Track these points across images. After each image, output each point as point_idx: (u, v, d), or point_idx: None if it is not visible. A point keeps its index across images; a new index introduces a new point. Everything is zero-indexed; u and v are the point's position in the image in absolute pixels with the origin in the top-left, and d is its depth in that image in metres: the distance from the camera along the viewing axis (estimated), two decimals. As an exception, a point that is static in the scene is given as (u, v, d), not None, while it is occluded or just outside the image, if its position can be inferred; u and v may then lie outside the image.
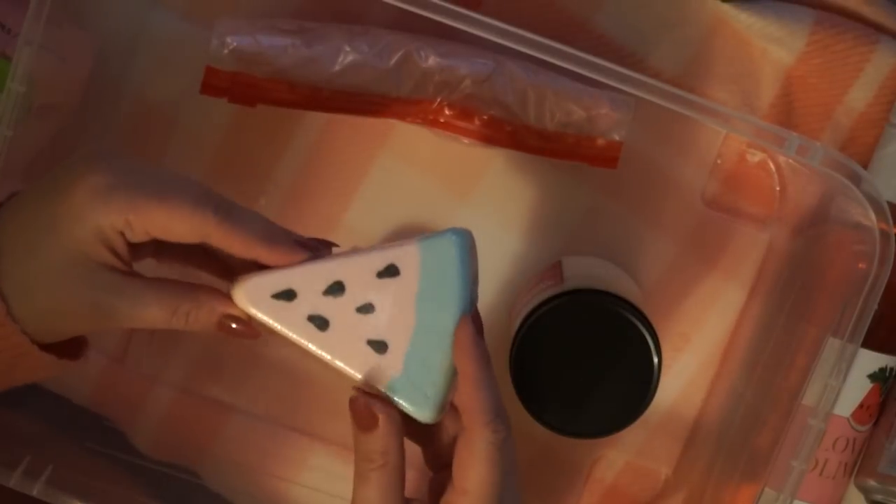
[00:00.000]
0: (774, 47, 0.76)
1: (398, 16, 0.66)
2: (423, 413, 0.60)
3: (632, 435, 0.74)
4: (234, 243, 0.59)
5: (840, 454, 0.77)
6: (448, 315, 0.60)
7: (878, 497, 0.78)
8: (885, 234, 0.65)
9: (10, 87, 0.65)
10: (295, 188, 0.77)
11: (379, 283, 0.60)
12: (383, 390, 0.60)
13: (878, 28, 0.76)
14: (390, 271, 0.60)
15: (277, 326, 0.60)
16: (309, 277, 0.60)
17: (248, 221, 0.60)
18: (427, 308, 0.60)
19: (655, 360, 0.70)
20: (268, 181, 0.77)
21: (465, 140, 0.74)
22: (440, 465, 0.63)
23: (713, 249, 0.79)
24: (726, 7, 0.75)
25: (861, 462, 0.78)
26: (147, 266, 0.62)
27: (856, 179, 0.65)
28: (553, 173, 0.77)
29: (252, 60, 0.70)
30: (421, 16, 0.63)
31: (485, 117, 0.72)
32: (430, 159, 0.77)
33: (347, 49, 0.71)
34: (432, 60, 0.71)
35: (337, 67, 0.71)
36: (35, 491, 0.70)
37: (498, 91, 0.72)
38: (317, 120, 0.76)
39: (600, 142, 0.73)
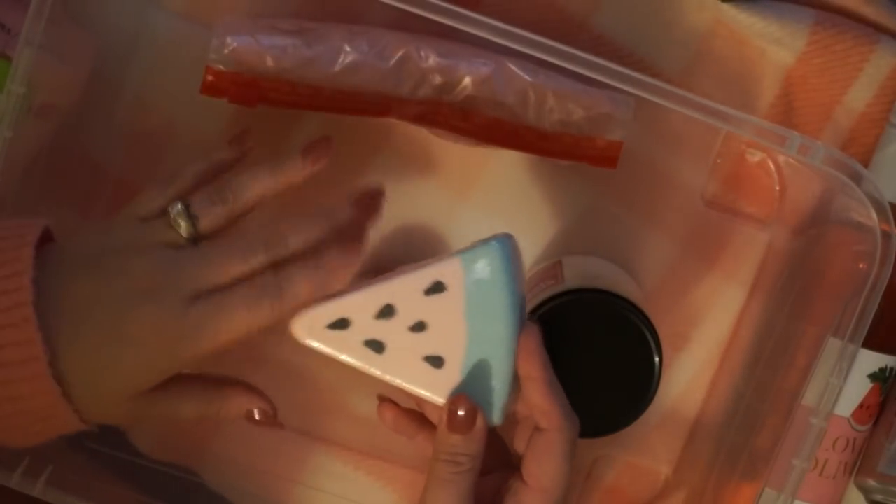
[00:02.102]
0: (774, 47, 0.76)
1: (398, 16, 0.66)
2: (489, 417, 0.63)
3: (632, 435, 0.74)
4: (301, 306, 0.62)
5: (840, 454, 0.77)
6: (498, 322, 0.62)
7: (878, 497, 0.78)
8: (886, 234, 0.65)
9: (10, 88, 0.65)
10: (295, 188, 0.77)
11: (427, 300, 0.62)
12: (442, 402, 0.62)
13: (878, 28, 0.76)
14: (437, 288, 0.61)
15: (337, 355, 0.62)
16: (360, 304, 0.62)
17: (304, 276, 0.62)
18: (477, 318, 0.62)
19: (656, 359, 0.70)
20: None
21: (466, 140, 0.74)
22: (486, 469, 0.65)
23: (713, 249, 0.79)
24: (726, 7, 0.75)
25: (861, 462, 0.79)
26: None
27: (857, 179, 0.65)
28: (553, 173, 0.77)
29: (252, 60, 0.70)
30: (421, 16, 0.63)
31: (484, 117, 0.72)
32: (430, 159, 0.77)
33: (347, 49, 0.71)
34: (432, 60, 0.71)
35: (337, 67, 0.71)
36: (35, 491, 0.70)
37: (498, 91, 0.72)
38: (317, 120, 0.76)
39: (600, 142, 0.73)
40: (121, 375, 0.61)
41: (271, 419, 0.66)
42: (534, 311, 0.71)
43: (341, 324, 0.62)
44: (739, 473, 0.75)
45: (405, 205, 0.78)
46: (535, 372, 0.63)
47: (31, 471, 0.70)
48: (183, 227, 0.63)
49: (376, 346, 0.62)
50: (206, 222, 0.64)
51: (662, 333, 0.71)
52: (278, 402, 0.80)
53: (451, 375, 0.62)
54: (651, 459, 0.81)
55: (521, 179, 0.77)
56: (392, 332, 0.62)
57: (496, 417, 0.63)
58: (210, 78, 0.70)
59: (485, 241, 0.62)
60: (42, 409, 0.60)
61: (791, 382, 0.72)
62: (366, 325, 0.62)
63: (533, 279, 0.76)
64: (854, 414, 0.76)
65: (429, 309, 0.62)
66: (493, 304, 0.61)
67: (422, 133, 0.75)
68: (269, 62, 0.70)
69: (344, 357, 0.62)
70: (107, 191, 0.77)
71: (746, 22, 0.75)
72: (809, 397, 0.69)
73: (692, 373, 0.80)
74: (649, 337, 0.71)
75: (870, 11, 0.76)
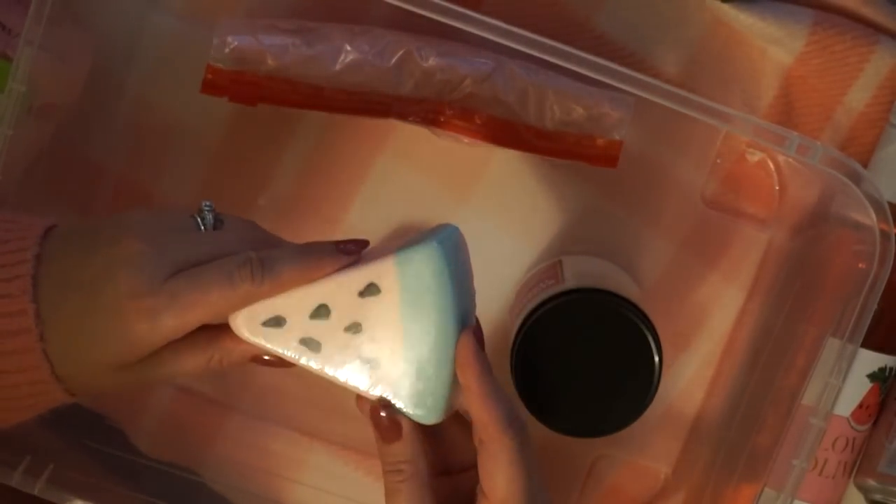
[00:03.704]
0: (774, 48, 0.76)
1: (399, 15, 0.66)
2: (427, 418, 0.61)
3: (632, 434, 0.74)
4: (281, 289, 0.60)
5: (840, 454, 0.77)
6: (435, 325, 0.60)
7: (878, 497, 0.78)
8: (885, 234, 0.65)
9: (11, 87, 0.65)
10: (295, 188, 0.77)
11: (361, 301, 0.60)
12: (384, 398, 0.61)
13: (878, 28, 0.76)
14: (371, 290, 0.60)
15: (274, 350, 0.61)
16: (294, 303, 0.61)
17: (287, 261, 0.61)
18: (412, 320, 0.60)
19: (656, 359, 0.70)
20: (268, 181, 0.77)
21: (466, 140, 0.74)
22: (445, 468, 0.64)
23: (713, 249, 0.79)
24: (726, 7, 0.75)
25: (861, 462, 0.78)
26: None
27: (856, 179, 0.65)
28: (553, 173, 0.77)
29: (253, 60, 0.70)
30: (421, 15, 0.63)
31: (485, 117, 0.72)
32: (430, 159, 0.77)
33: (348, 48, 0.71)
34: (433, 60, 0.71)
35: (338, 67, 0.71)
36: (36, 490, 0.70)
37: (498, 90, 0.72)
38: (317, 119, 0.76)
39: (600, 141, 0.73)
40: (102, 345, 0.59)
41: (280, 359, 0.63)
42: (534, 311, 0.71)
43: (276, 321, 0.61)
44: (739, 473, 0.75)
45: (405, 205, 0.78)
46: (470, 382, 0.60)
47: (31, 470, 0.70)
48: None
49: (312, 344, 0.61)
50: None
51: (662, 333, 0.71)
52: (278, 401, 0.80)
53: (389, 375, 0.61)
54: (651, 459, 0.81)
55: (521, 179, 0.77)
56: (328, 331, 0.61)
57: (434, 417, 0.61)
58: (210, 77, 0.70)
59: (423, 238, 0.61)
60: (31, 382, 0.60)
61: (791, 382, 0.72)
62: (301, 323, 0.61)
63: (533, 279, 0.76)
64: (853, 414, 0.76)
65: (363, 310, 0.60)
66: (429, 306, 0.60)
67: (422, 133, 0.74)
68: (270, 61, 0.70)
69: (280, 352, 0.61)
70: (107, 191, 0.77)
71: (746, 22, 0.75)
72: (809, 397, 0.69)
73: (692, 373, 0.80)
74: (649, 337, 0.70)
75: (869, 11, 0.76)
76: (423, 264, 0.60)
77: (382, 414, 0.61)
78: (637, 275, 0.78)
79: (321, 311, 0.61)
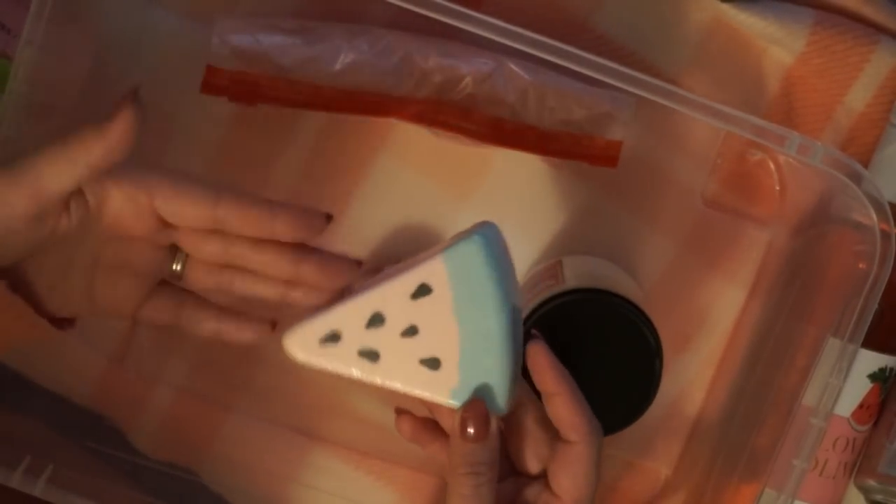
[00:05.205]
0: (774, 47, 0.76)
1: (399, 15, 0.66)
2: (493, 410, 0.62)
3: (632, 435, 0.74)
4: (247, 218, 0.62)
5: (840, 454, 0.77)
6: (489, 316, 0.61)
7: (878, 497, 0.78)
8: (885, 234, 0.65)
9: (11, 87, 0.65)
10: (295, 188, 0.77)
11: (415, 304, 0.61)
12: (448, 402, 0.61)
13: (878, 28, 0.76)
14: (423, 291, 0.61)
15: (332, 369, 0.62)
16: (349, 316, 0.62)
17: (258, 201, 0.62)
18: (467, 314, 0.61)
19: (657, 359, 0.70)
20: (268, 180, 0.77)
21: (466, 140, 0.74)
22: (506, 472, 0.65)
23: (713, 249, 0.79)
24: (726, 7, 0.75)
25: (861, 462, 0.79)
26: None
27: (857, 178, 0.65)
28: (553, 173, 0.77)
29: (252, 59, 0.70)
30: (421, 15, 0.63)
31: (485, 116, 0.73)
32: (430, 159, 0.77)
33: (348, 48, 0.71)
34: (433, 60, 0.71)
35: (337, 67, 0.71)
36: (36, 490, 0.70)
37: (498, 90, 0.72)
38: (317, 119, 0.76)
39: (600, 141, 0.73)
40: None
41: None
42: (534, 311, 0.71)
43: (333, 337, 0.62)
44: (739, 473, 0.75)
45: (405, 205, 0.78)
46: (555, 387, 0.62)
47: (31, 470, 0.70)
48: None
49: (371, 355, 0.62)
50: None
51: (662, 333, 0.71)
52: (278, 401, 0.80)
53: (450, 375, 0.61)
54: (651, 459, 0.81)
55: (522, 179, 0.77)
56: (384, 339, 0.61)
57: (502, 407, 0.62)
58: (210, 77, 0.71)
59: (466, 234, 0.62)
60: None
61: (791, 382, 0.72)
62: (357, 335, 0.61)
63: (533, 279, 0.76)
64: (854, 414, 0.76)
65: (418, 312, 0.61)
66: (481, 298, 0.61)
67: (422, 133, 0.75)
68: (270, 61, 0.70)
69: (340, 370, 0.62)
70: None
71: (746, 22, 0.75)
72: (809, 397, 0.69)
73: (692, 373, 0.80)
74: (650, 337, 0.71)
75: (870, 11, 0.76)
76: (470, 257, 0.61)
77: (474, 411, 0.61)
78: (637, 275, 0.78)
79: (376, 319, 0.61)
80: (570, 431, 0.62)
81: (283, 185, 0.77)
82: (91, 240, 0.62)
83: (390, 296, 0.61)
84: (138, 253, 0.64)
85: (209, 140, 0.77)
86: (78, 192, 0.60)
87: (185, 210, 0.62)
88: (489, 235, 0.62)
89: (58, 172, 0.58)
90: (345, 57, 0.71)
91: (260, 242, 0.64)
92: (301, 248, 0.64)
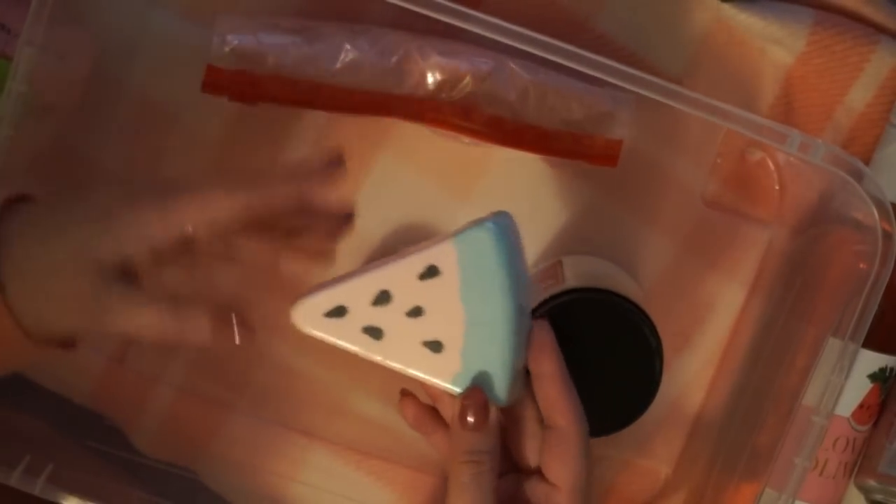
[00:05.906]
0: (774, 47, 0.76)
1: (399, 14, 0.66)
2: (494, 399, 0.62)
3: (632, 435, 0.74)
4: (276, 196, 0.61)
5: (840, 454, 0.77)
6: (495, 303, 0.61)
7: (878, 497, 0.78)
8: (886, 234, 0.65)
9: (11, 87, 0.65)
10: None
11: (422, 285, 0.61)
12: (448, 387, 0.61)
13: (878, 28, 0.76)
14: (431, 272, 0.61)
15: (336, 342, 0.62)
16: (356, 291, 0.62)
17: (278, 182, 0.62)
18: (474, 300, 0.61)
19: (657, 359, 0.70)
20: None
21: (466, 139, 0.74)
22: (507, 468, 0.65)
23: (713, 249, 0.79)
24: (726, 7, 0.75)
25: (861, 462, 0.79)
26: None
27: (858, 176, 0.65)
28: (553, 172, 0.77)
29: (253, 59, 0.70)
30: (422, 14, 0.63)
31: (485, 115, 0.72)
32: (430, 159, 0.77)
33: (348, 47, 0.71)
34: (433, 59, 0.71)
35: (338, 66, 0.71)
36: (36, 489, 0.69)
37: (498, 89, 0.72)
38: (317, 119, 0.76)
39: (601, 140, 0.73)
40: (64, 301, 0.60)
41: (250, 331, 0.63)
42: (534, 310, 0.71)
43: (338, 311, 0.62)
44: (739, 473, 0.75)
45: (405, 204, 0.78)
46: (549, 368, 0.62)
47: (31, 469, 0.70)
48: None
49: (375, 332, 0.62)
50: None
51: (662, 333, 0.71)
52: (278, 401, 0.80)
53: (452, 359, 0.61)
54: (651, 459, 0.81)
55: (522, 179, 0.77)
56: (389, 318, 0.62)
57: (502, 398, 0.62)
58: (210, 77, 0.71)
59: (479, 222, 0.62)
60: None
61: (791, 382, 0.72)
62: (363, 311, 0.62)
63: (533, 279, 0.76)
64: (854, 414, 0.76)
65: (424, 294, 0.61)
66: (489, 286, 0.61)
67: (422, 132, 0.75)
68: (270, 60, 0.70)
69: (344, 344, 0.62)
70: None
71: (746, 22, 0.75)
72: (810, 397, 0.69)
73: (692, 373, 0.80)
74: (650, 337, 0.70)
75: (870, 11, 0.76)
76: (481, 242, 0.61)
77: (474, 399, 0.61)
78: (637, 275, 0.78)
79: (383, 297, 0.62)
80: (558, 415, 0.62)
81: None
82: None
83: (398, 275, 0.61)
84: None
85: (209, 140, 0.77)
86: None
87: (219, 216, 0.61)
88: (503, 224, 0.62)
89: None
90: (345, 56, 0.71)
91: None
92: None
